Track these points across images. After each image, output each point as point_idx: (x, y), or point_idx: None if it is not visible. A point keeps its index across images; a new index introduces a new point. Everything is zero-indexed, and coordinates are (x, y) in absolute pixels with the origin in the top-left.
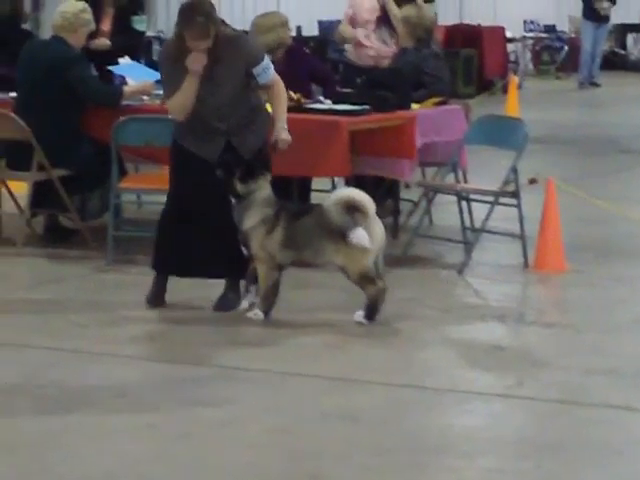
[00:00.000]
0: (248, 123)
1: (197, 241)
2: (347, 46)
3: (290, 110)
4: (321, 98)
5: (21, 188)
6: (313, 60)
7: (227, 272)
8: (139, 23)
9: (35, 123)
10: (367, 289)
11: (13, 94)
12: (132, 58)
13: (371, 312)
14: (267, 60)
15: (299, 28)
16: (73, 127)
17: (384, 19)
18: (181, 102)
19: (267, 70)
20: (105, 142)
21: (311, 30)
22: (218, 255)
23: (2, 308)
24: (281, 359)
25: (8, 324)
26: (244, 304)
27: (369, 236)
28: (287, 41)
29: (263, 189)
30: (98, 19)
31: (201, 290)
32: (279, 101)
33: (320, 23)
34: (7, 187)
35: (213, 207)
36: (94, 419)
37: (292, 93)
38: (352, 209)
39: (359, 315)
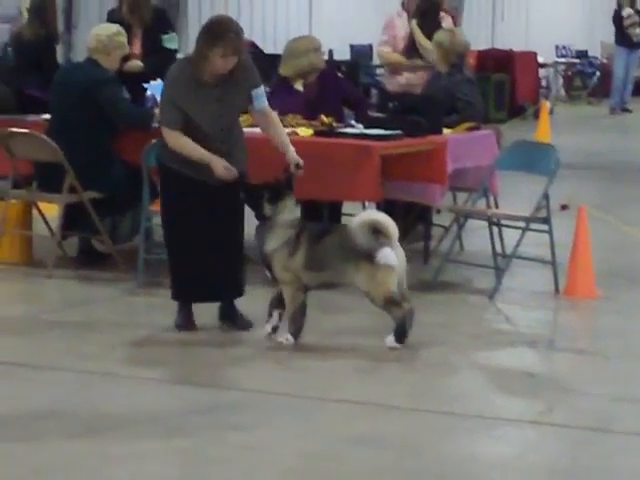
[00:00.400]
0: (238, 141)
1: (212, 264)
2: (382, 71)
3: (322, 134)
4: (353, 122)
5: (52, 210)
6: (345, 84)
7: (240, 290)
8: (170, 41)
9: (67, 145)
10: (393, 312)
11: (46, 116)
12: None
13: (401, 335)
14: (263, 86)
15: (331, 52)
16: (105, 149)
17: (414, 47)
18: (186, 153)
19: (264, 95)
20: (136, 165)
21: (343, 54)
22: (232, 275)
23: (32, 330)
24: (310, 383)
25: (38, 346)
26: (267, 328)
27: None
28: (320, 65)
29: (288, 210)
30: (128, 42)
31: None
32: (280, 127)
33: (352, 47)
34: (38, 209)
35: (221, 227)
36: (123, 443)
37: (324, 117)
38: (376, 232)
39: (390, 340)
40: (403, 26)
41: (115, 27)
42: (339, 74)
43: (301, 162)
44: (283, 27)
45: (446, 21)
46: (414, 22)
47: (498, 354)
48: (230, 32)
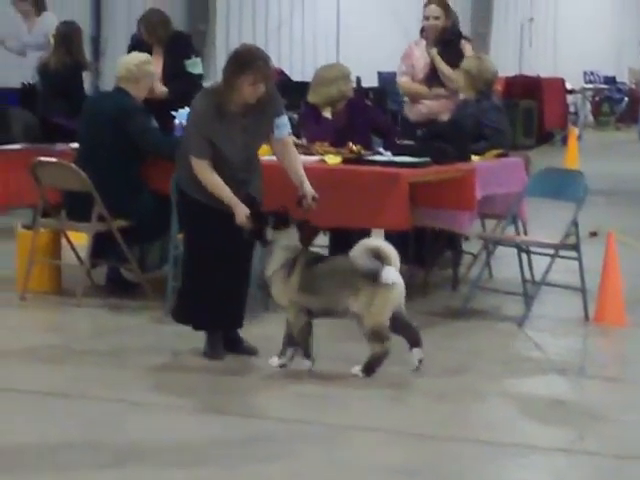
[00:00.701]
0: (256, 170)
1: (234, 291)
2: (406, 99)
3: (350, 162)
4: (381, 150)
5: (81, 239)
6: (374, 112)
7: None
8: (193, 66)
9: (96, 174)
10: (374, 346)
11: (74, 145)
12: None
13: (369, 369)
14: (286, 115)
15: (359, 79)
16: (133, 178)
17: (435, 75)
18: (210, 188)
19: (287, 124)
20: (165, 193)
21: (371, 81)
22: (244, 301)
23: (61, 359)
24: (340, 412)
25: (66, 375)
26: (274, 361)
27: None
28: (349, 93)
29: (288, 236)
30: None
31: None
32: (297, 158)
33: (380, 74)
34: (67, 238)
35: (237, 254)
36: (151, 473)
37: (352, 145)
38: (378, 257)
39: (356, 369)
40: (422, 55)
41: (144, 56)
42: (367, 101)
43: (316, 195)
44: (311, 55)
45: (466, 48)
46: (434, 51)
47: (528, 382)
48: (258, 59)
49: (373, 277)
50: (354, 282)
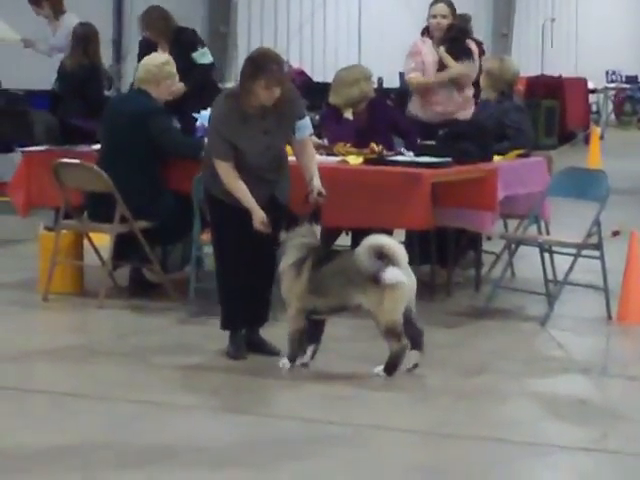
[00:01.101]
0: (283, 170)
1: (258, 290)
2: (414, 98)
3: (372, 162)
4: (403, 150)
5: (103, 240)
6: (395, 112)
7: (268, 315)
8: (202, 57)
9: (118, 176)
10: (391, 344)
11: (96, 146)
12: (207, 93)
13: (391, 367)
14: (307, 117)
15: (380, 80)
16: (155, 179)
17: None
18: (231, 189)
19: (308, 126)
20: (187, 194)
21: (392, 82)
22: (268, 299)
23: (84, 360)
24: (364, 412)
25: (90, 376)
26: (285, 362)
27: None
28: (370, 94)
29: (302, 235)
30: None
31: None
32: (314, 158)
33: (401, 75)
34: (89, 239)
35: (263, 254)
36: (176, 473)
37: (374, 145)
38: (383, 256)
39: (379, 369)
40: (430, 52)
41: (164, 57)
42: (388, 102)
43: (324, 191)
44: (332, 56)
45: (472, 48)
46: (442, 49)
47: (551, 381)
48: (272, 63)
49: (375, 278)
50: (361, 281)
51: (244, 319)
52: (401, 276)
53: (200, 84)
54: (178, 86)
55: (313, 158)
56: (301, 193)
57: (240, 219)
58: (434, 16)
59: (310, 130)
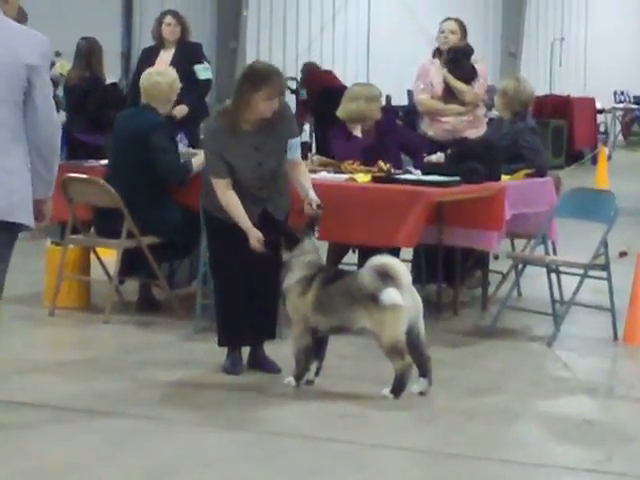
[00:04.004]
0: (278, 187)
1: (257, 307)
2: (425, 119)
3: (379, 180)
4: (411, 168)
5: (109, 254)
6: (403, 131)
7: (274, 331)
8: (204, 71)
9: (125, 191)
10: (395, 363)
11: (104, 161)
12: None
13: (398, 388)
14: (299, 138)
15: (388, 97)
16: (162, 195)
17: (451, 94)
18: (226, 208)
19: (298, 146)
20: (194, 210)
21: (401, 99)
22: (271, 315)
23: (88, 375)
24: (368, 431)
25: (94, 391)
26: (291, 381)
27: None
28: (369, 115)
29: (306, 252)
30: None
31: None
32: (306, 175)
33: (409, 92)
34: (96, 254)
35: (260, 271)
36: None
37: (382, 163)
38: (385, 276)
39: (386, 391)
40: (437, 73)
41: (173, 74)
42: (397, 120)
43: (320, 203)
44: (341, 73)
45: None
46: (445, 71)
47: (557, 402)
48: (273, 74)
49: (374, 298)
50: (364, 302)
51: (242, 336)
52: (398, 298)
53: (198, 101)
54: (180, 109)
55: (307, 176)
56: (296, 207)
57: (235, 236)
58: (442, 31)
59: (299, 151)
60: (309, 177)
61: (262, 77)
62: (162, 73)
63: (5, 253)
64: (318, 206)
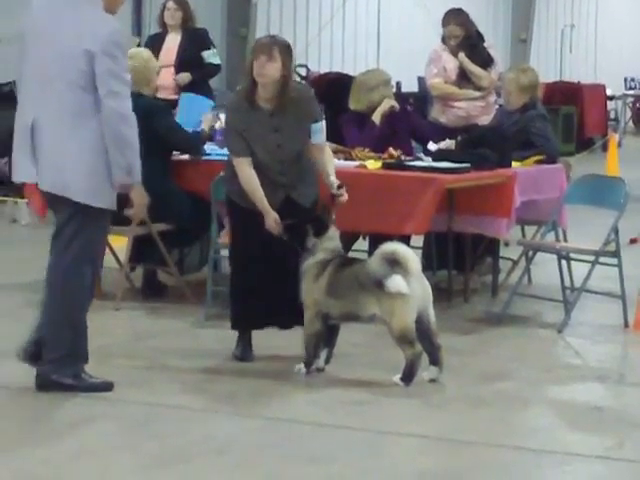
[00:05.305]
0: (304, 176)
1: (273, 292)
2: (436, 103)
3: (390, 167)
4: (421, 155)
5: (120, 241)
6: (414, 118)
7: (297, 319)
8: (213, 56)
9: None
10: (405, 351)
11: None
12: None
13: (408, 375)
14: (324, 121)
15: (399, 84)
16: (172, 182)
17: (465, 77)
18: (245, 187)
19: (323, 130)
20: (204, 197)
21: (411, 86)
22: (291, 303)
23: (100, 361)
24: (380, 418)
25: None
26: (301, 368)
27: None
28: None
29: (330, 239)
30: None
31: (280, 340)
32: (332, 161)
33: (420, 79)
34: (107, 241)
35: (280, 257)
36: (193, 477)
37: (392, 150)
38: (394, 263)
39: (397, 378)
40: (450, 58)
41: (145, 53)
42: (407, 107)
43: (342, 183)
44: (351, 60)
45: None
46: (462, 54)
47: (567, 388)
48: (266, 38)
49: (381, 285)
50: (373, 289)
51: (255, 321)
52: (403, 286)
53: (205, 80)
54: (183, 76)
55: (331, 161)
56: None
57: (255, 222)
58: (448, 37)
59: (324, 135)
60: (333, 162)
61: (258, 42)
62: (133, 56)
63: (77, 230)
64: (339, 187)
